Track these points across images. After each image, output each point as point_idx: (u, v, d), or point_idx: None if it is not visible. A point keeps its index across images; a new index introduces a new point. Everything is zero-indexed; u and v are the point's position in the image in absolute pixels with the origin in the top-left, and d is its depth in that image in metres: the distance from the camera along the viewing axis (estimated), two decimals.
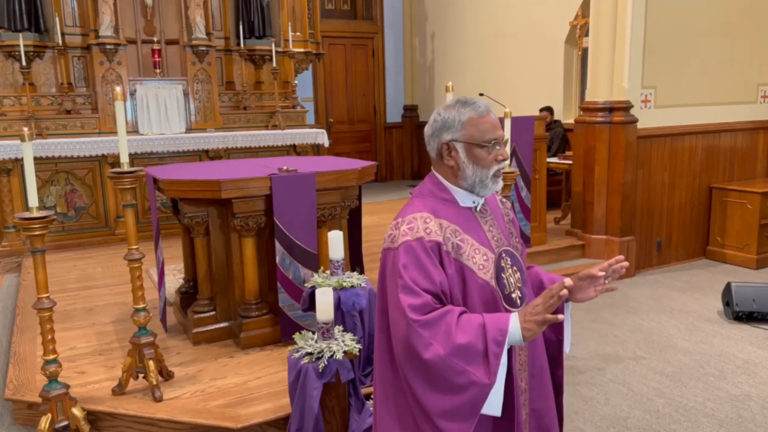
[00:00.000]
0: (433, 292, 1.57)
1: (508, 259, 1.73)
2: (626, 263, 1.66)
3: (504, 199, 1.94)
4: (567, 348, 1.84)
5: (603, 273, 1.64)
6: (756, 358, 3.77)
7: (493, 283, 1.66)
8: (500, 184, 1.73)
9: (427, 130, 1.74)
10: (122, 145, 2.80)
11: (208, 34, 6.39)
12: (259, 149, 6.52)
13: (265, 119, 6.84)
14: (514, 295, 1.70)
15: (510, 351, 1.59)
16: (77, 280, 4.86)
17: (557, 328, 1.81)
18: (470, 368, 1.50)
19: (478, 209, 1.75)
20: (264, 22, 6.93)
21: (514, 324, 1.54)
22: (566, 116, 7.44)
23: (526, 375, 1.74)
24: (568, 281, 1.52)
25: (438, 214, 1.66)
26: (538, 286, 1.85)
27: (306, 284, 3.12)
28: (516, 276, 1.73)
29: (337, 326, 2.53)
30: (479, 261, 1.66)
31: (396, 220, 1.69)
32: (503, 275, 1.69)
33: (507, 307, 1.67)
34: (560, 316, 1.52)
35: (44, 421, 2.57)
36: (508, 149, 3.23)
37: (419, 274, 1.57)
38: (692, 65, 5.60)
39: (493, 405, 1.58)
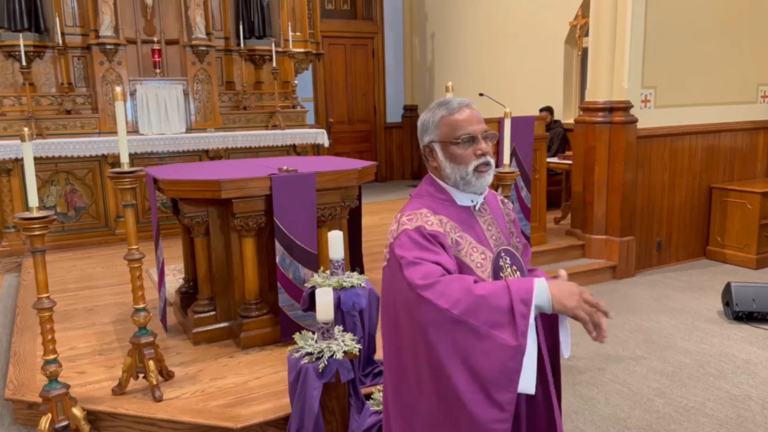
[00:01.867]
0: (442, 264, 1.52)
1: (508, 259, 1.73)
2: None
3: (505, 200, 1.94)
4: (566, 353, 1.82)
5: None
6: (756, 358, 3.77)
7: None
8: (486, 179, 1.69)
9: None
10: (122, 145, 2.80)
11: (208, 34, 6.39)
12: (259, 149, 6.53)
13: (265, 119, 6.85)
14: None
15: None
16: (77, 280, 4.86)
17: (554, 335, 1.79)
18: (495, 331, 1.42)
19: (476, 208, 1.75)
20: (264, 22, 6.93)
21: (542, 288, 1.46)
22: (566, 116, 7.43)
23: None
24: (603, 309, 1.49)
25: (437, 212, 1.67)
26: None
27: (306, 284, 3.12)
28: (516, 275, 1.73)
29: (337, 326, 2.53)
30: (477, 259, 1.66)
31: (396, 216, 1.70)
32: (501, 274, 1.69)
33: None
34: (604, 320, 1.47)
35: (44, 421, 2.57)
36: (507, 148, 3.22)
37: (422, 252, 1.54)
38: (692, 65, 5.60)
39: (525, 381, 1.46)
